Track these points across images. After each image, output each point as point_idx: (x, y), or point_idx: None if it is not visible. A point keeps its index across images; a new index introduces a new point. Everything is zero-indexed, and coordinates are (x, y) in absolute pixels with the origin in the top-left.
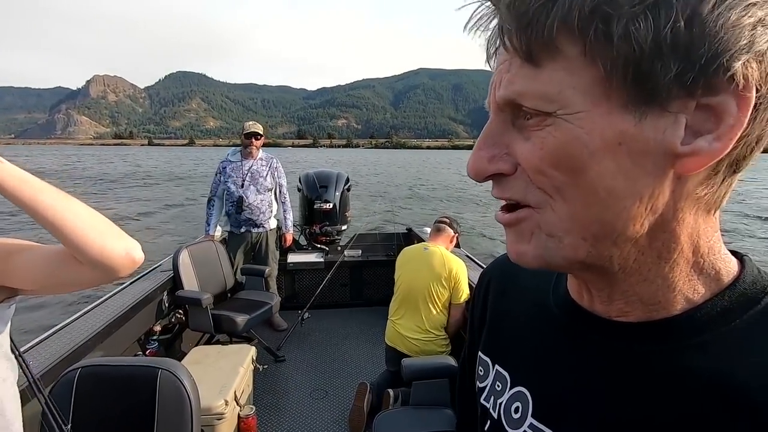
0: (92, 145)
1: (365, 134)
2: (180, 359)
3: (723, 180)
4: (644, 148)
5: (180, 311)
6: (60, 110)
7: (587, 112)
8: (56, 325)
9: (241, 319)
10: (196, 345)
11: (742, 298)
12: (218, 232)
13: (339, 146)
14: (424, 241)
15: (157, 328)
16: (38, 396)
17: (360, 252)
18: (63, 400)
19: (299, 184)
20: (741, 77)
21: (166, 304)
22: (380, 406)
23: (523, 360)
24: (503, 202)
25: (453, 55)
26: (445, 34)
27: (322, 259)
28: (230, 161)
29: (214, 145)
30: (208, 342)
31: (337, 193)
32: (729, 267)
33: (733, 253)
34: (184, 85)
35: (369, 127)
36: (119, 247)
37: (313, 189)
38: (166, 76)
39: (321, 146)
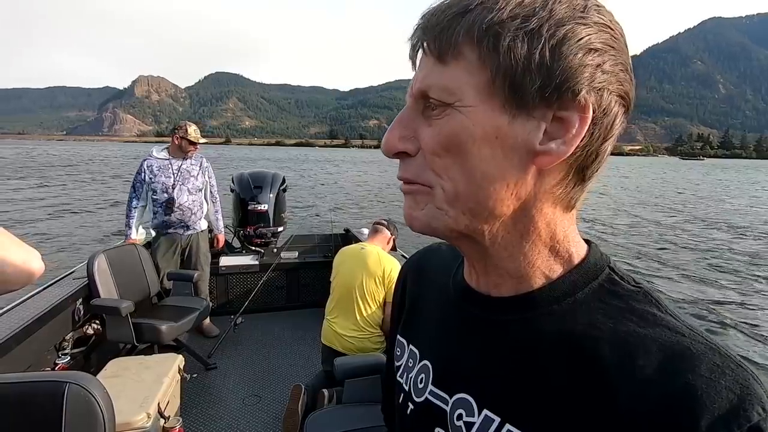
0: (135, 142)
1: None
2: (97, 373)
3: (575, 184)
4: (513, 144)
5: (96, 321)
6: (107, 109)
7: (476, 107)
8: None
9: (165, 327)
10: (117, 357)
11: (584, 276)
12: (142, 236)
13: (371, 147)
14: (361, 241)
15: (69, 340)
16: None
17: (297, 254)
18: None
19: (232, 184)
20: (583, 101)
21: (80, 314)
22: (315, 407)
23: (428, 337)
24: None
25: None
26: None
27: (256, 262)
28: (156, 158)
29: (249, 144)
30: (131, 353)
31: (271, 195)
32: (579, 250)
33: (585, 240)
34: (222, 85)
35: None
36: (14, 258)
37: (247, 190)
38: (205, 76)
39: (353, 146)
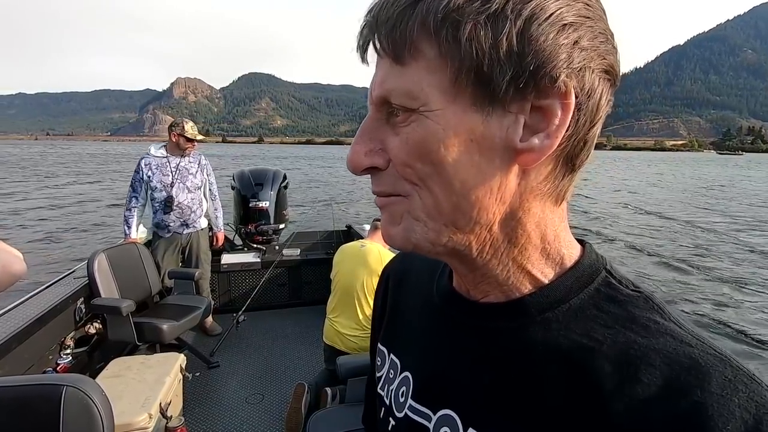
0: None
1: None
2: (98, 372)
3: (564, 176)
4: (491, 145)
5: (97, 321)
6: (148, 110)
7: (443, 110)
8: None
9: (167, 326)
10: (118, 357)
11: (579, 280)
12: (142, 234)
13: None
14: (363, 238)
15: (71, 340)
16: None
17: (299, 251)
18: None
19: (233, 181)
20: (563, 86)
21: (81, 314)
22: (318, 406)
23: (409, 347)
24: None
25: None
26: None
27: (258, 259)
28: (154, 156)
29: (280, 143)
30: (132, 353)
31: (272, 192)
32: (572, 252)
33: (579, 240)
34: (255, 86)
35: None
36: None
37: (248, 187)
38: (239, 77)
39: None
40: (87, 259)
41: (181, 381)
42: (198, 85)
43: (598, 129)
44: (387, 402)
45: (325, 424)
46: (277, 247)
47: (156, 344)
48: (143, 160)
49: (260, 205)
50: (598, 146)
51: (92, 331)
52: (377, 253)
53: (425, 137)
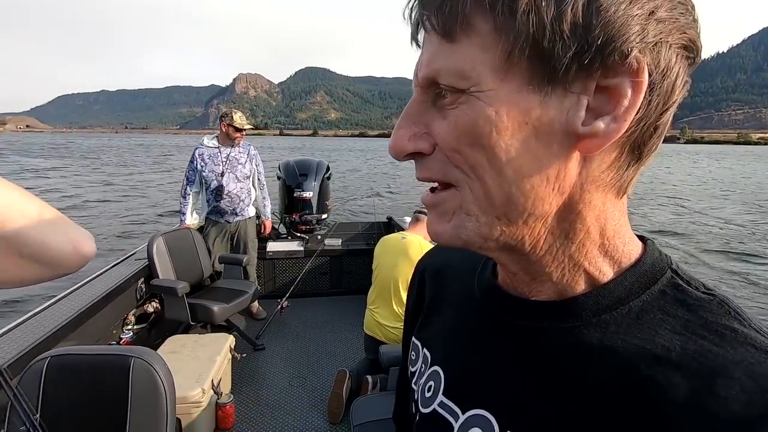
0: None
1: None
2: (156, 349)
3: (629, 165)
4: (549, 129)
5: (156, 300)
6: (212, 105)
7: (496, 90)
8: (27, 313)
9: (218, 308)
10: (173, 335)
11: (641, 279)
12: (195, 220)
13: None
14: (404, 230)
15: (132, 317)
16: (4, 386)
17: (340, 241)
18: (31, 390)
19: (279, 172)
20: (635, 62)
21: (142, 293)
22: (359, 393)
23: (442, 341)
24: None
25: None
26: None
27: (301, 248)
28: (207, 147)
29: (334, 135)
30: (185, 331)
31: (315, 183)
32: (633, 250)
33: (639, 236)
34: (310, 80)
35: None
36: (62, 240)
37: (293, 177)
38: (296, 71)
39: None
40: (147, 242)
41: (230, 360)
42: (258, 80)
43: (671, 114)
44: (416, 398)
45: (367, 410)
46: (319, 237)
47: (207, 324)
48: (197, 151)
49: (304, 195)
50: (671, 139)
51: (150, 309)
52: (418, 245)
53: (476, 120)
